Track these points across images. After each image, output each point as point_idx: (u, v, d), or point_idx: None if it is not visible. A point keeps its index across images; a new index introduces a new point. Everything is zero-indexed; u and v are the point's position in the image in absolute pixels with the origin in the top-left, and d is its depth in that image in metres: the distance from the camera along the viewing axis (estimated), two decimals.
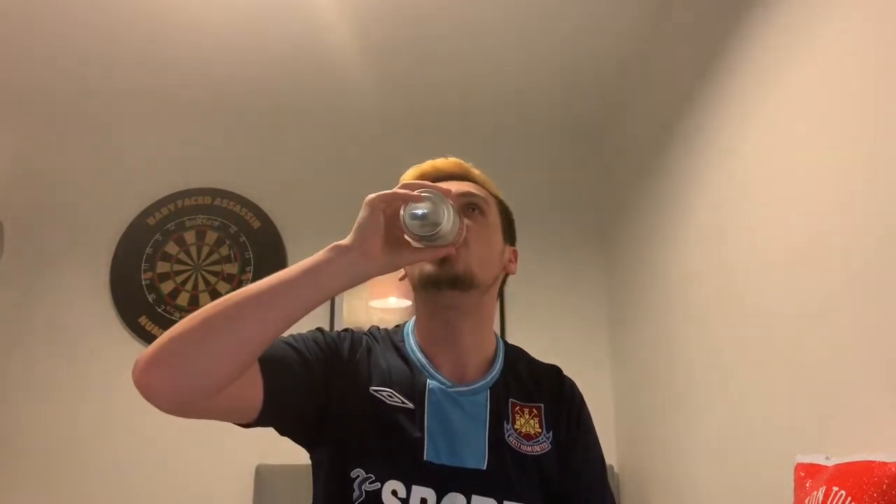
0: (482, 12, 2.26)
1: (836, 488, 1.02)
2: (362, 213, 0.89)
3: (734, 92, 1.72)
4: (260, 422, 0.93)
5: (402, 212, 0.90)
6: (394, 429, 0.99)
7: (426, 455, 0.98)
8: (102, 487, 2.51)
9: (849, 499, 0.98)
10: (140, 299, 2.73)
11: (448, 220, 0.90)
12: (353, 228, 0.89)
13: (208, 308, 0.84)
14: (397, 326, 1.14)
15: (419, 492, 0.96)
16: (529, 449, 1.03)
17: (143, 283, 2.75)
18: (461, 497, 0.96)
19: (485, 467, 0.99)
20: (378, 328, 1.12)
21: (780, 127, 1.50)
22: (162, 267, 2.78)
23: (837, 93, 1.30)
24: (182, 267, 2.79)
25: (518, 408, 1.06)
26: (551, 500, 1.03)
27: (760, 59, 1.59)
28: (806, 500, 1.11)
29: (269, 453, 2.43)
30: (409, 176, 1.07)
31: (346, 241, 0.89)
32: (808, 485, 1.14)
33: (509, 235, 1.12)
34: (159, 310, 2.71)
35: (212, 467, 2.53)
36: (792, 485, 1.22)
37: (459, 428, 1.01)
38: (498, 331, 2.70)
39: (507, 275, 1.12)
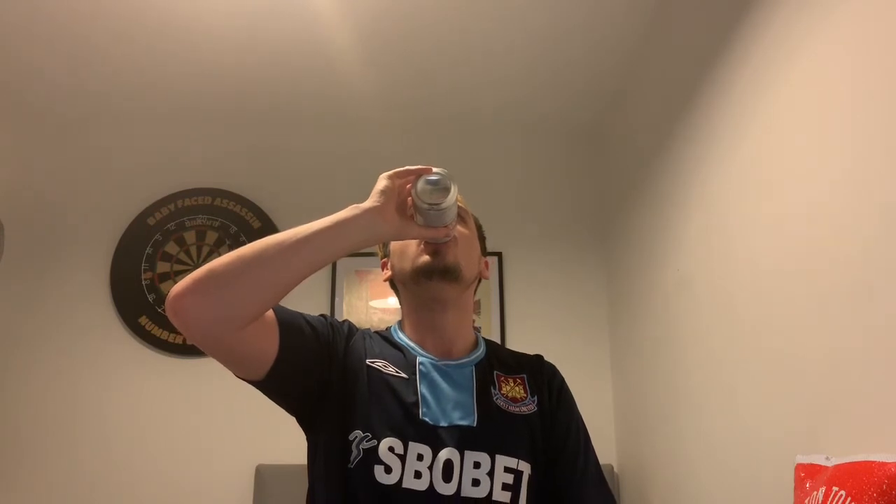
0: (482, 14, 2.26)
1: (836, 488, 1.02)
2: (380, 183, 1.00)
3: (733, 92, 1.72)
4: (270, 376, 1.00)
5: (414, 186, 1.01)
6: (390, 393, 1.07)
7: (421, 415, 1.05)
8: (102, 487, 2.51)
9: (849, 499, 0.98)
10: (140, 299, 2.73)
11: (454, 194, 1.00)
12: (372, 194, 1.00)
13: (244, 249, 0.93)
14: (386, 328, 1.25)
15: (416, 448, 1.02)
16: (517, 409, 1.12)
17: (143, 283, 2.75)
18: (455, 452, 1.03)
19: (475, 425, 1.07)
20: (369, 329, 1.22)
21: (779, 128, 1.50)
22: (162, 267, 2.78)
23: (839, 93, 1.30)
24: (182, 267, 2.79)
25: (503, 378, 1.17)
26: (538, 466, 1.08)
27: (760, 59, 1.59)
28: (806, 501, 1.11)
29: (269, 453, 2.44)
30: None
31: (366, 203, 0.99)
32: (808, 485, 1.14)
33: (482, 247, 1.27)
34: (159, 310, 2.71)
35: (212, 467, 2.53)
36: (792, 485, 1.22)
37: (449, 393, 1.10)
38: (498, 331, 2.73)
39: (481, 279, 1.26)
